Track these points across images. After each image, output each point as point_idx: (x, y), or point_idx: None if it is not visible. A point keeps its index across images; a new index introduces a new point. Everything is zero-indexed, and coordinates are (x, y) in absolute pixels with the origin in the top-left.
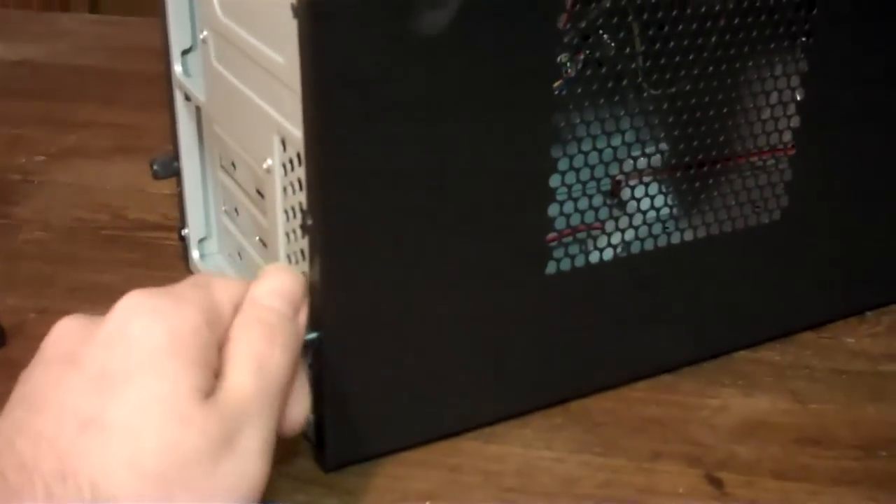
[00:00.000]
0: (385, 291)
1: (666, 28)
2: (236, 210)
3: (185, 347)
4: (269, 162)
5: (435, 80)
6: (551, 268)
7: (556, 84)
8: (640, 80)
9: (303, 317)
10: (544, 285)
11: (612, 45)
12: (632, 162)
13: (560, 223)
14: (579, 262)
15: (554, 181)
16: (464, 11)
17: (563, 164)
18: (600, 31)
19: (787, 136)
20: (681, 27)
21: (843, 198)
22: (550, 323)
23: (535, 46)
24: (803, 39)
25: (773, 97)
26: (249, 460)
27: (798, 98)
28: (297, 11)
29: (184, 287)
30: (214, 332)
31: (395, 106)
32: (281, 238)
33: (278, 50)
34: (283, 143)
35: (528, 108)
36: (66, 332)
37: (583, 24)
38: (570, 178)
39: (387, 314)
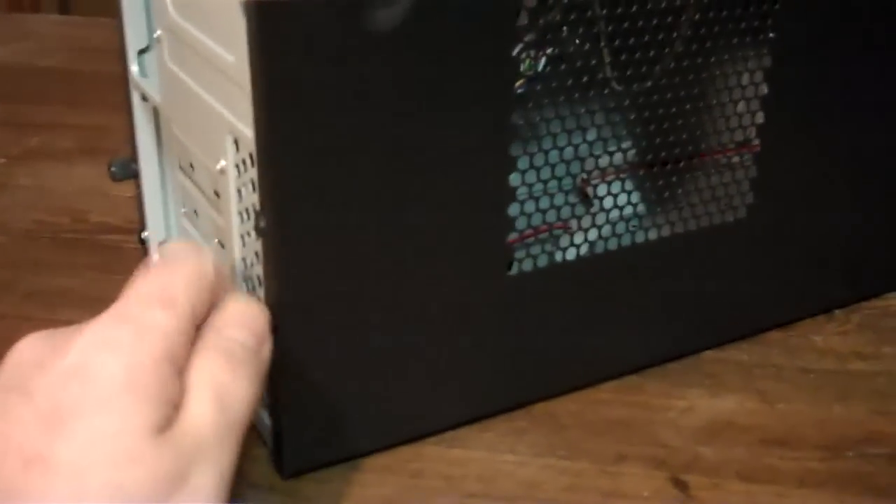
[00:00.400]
0: (342, 295)
1: (632, 22)
2: (195, 212)
3: (143, 384)
4: (223, 163)
5: (389, 77)
6: (514, 269)
7: (517, 83)
8: (606, 76)
9: (266, 350)
10: (506, 287)
11: (576, 41)
12: (595, 161)
13: (522, 223)
14: (542, 262)
15: (514, 180)
16: (418, 8)
17: (523, 164)
18: (563, 28)
19: (753, 133)
20: (647, 21)
21: (810, 195)
22: (514, 325)
23: (492, 43)
24: (769, 35)
25: (738, 93)
26: (202, 497)
27: (762, 94)
28: (246, 9)
29: (146, 302)
30: (175, 363)
31: (347, 105)
32: (236, 240)
33: (229, 48)
34: (237, 143)
35: (486, 107)
36: (25, 357)
37: (544, 21)
38: (532, 177)
39: (344, 318)
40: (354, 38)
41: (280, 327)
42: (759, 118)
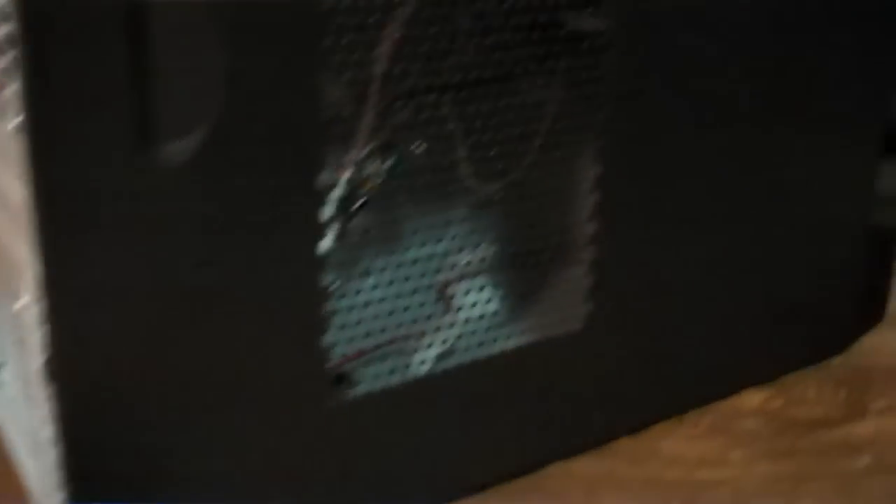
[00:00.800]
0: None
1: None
2: None
3: None
4: (24, 301)
5: (177, 207)
6: (334, 398)
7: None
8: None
9: None
10: (329, 415)
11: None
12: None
13: (343, 348)
14: (367, 387)
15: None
16: (212, 140)
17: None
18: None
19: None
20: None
21: (650, 299)
22: (339, 452)
23: (293, 174)
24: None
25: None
26: None
27: (595, 201)
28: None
29: None
30: None
31: (138, 244)
32: None
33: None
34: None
35: (289, 235)
36: None
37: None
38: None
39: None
40: (138, 170)
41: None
42: (592, 226)
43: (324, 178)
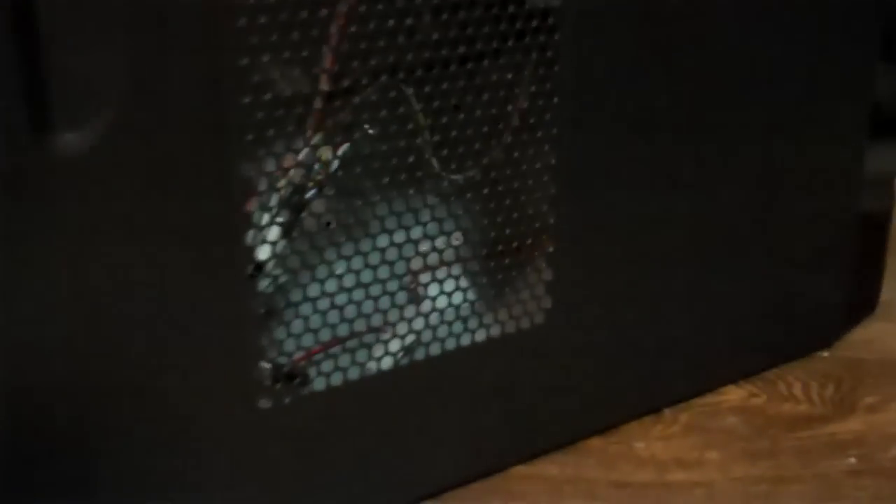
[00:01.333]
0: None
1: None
2: None
3: None
4: None
5: (78, 201)
6: (271, 400)
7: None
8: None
9: None
10: (262, 419)
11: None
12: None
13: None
14: (313, 387)
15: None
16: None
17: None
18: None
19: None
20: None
21: (614, 293)
22: (278, 456)
23: (210, 163)
24: (552, 131)
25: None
26: None
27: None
28: None
29: None
30: None
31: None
32: None
33: None
34: None
35: (209, 234)
36: None
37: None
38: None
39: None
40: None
41: None
42: (551, 216)
43: (266, 166)
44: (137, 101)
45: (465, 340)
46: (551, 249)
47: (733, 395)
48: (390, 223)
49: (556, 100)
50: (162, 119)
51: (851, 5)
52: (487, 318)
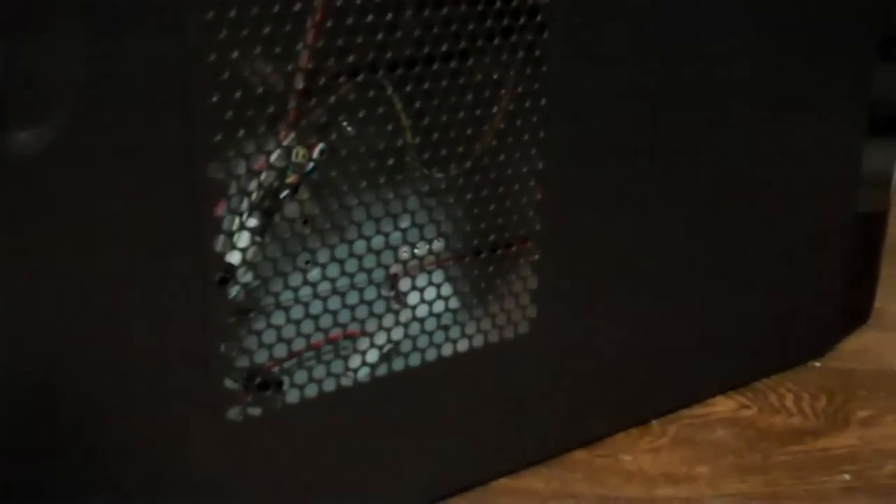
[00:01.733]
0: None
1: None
2: None
3: None
4: None
5: (36, 202)
6: (235, 413)
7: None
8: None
9: None
10: (231, 432)
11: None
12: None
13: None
14: (289, 397)
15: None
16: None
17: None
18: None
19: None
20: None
21: (603, 297)
22: (248, 471)
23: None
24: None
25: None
26: None
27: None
28: None
29: None
30: None
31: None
32: None
33: None
34: None
35: (174, 238)
36: None
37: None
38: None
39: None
40: None
41: None
42: (536, 223)
43: (237, 166)
44: (94, 97)
45: (447, 350)
46: (537, 257)
47: (723, 406)
48: (368, 227)
49: (543, 101)
50: (120, 117)
51: (849, 5)
52: (470, 328)
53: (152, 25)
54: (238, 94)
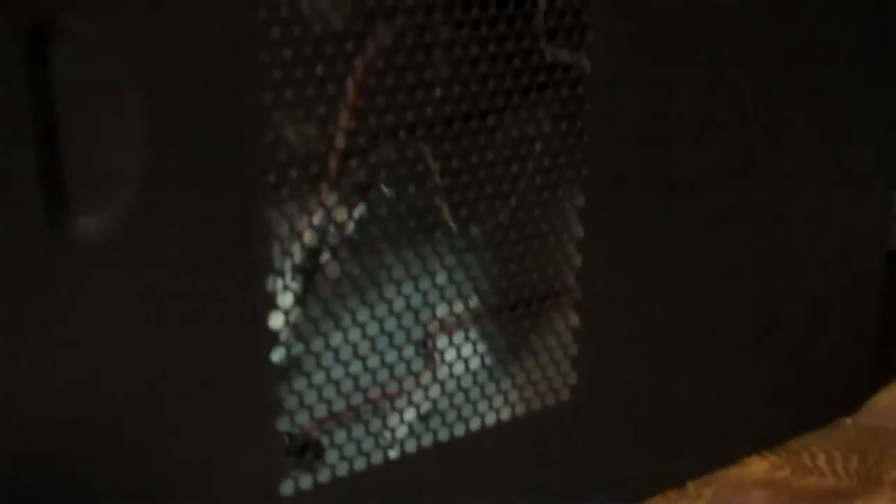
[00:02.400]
0: None
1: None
2: None
3: None
4: None
5: (97, 286)
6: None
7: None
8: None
9: None
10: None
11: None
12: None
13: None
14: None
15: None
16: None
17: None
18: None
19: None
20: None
21: (642, 361)
22: None
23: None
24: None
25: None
26: None
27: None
28: None
29: None
30: None
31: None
32: None
33: None
34: None
35: (229, 310)
36: None
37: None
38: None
39: None
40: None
41: None
42: (578, 294)
43: (281, 231)
44: (155, 184)
45: (490, 419)
46: (577, 323)
47: (757, 466)
48: (406, 286)
49: (581, 154)
50: (182, 200)
51: (878, 51)
52: (512, 396)
53: (208, 111)
54: (283, 157)
